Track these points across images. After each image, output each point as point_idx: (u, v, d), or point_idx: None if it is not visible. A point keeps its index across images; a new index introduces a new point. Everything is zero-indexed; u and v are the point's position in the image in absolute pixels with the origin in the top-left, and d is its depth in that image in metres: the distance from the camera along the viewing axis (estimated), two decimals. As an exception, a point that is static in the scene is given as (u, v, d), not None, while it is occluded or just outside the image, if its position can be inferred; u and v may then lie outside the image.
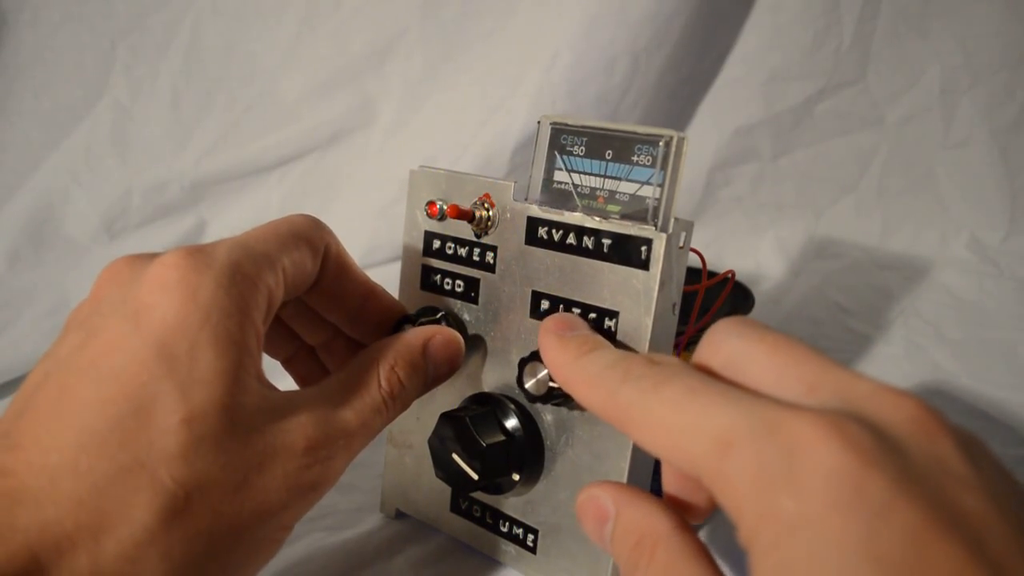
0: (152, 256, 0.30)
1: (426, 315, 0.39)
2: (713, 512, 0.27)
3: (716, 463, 0.21)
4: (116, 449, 0.25)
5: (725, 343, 0.26)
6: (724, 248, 0.91)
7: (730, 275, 0.46)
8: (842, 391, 0.22)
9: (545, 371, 0.33)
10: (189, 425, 0.26)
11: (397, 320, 0.39)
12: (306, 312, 0.38)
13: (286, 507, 0.29)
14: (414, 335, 0.36)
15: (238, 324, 0.28)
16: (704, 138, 0.93)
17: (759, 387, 0.24)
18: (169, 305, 0.27)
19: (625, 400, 0.25)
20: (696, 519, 0.27)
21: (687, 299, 0.36)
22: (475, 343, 0.39)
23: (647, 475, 0.35)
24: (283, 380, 0.37)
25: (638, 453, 0.34)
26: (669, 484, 0.27)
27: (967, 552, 0.18)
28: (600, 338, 0.30)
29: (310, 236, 0.33)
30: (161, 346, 0.27)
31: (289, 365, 0.41)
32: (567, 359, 0.28)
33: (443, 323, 0.38)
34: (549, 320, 0.31)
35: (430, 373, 0.35)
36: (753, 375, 0.24)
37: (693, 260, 0.42)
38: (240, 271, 0.29)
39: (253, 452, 0.28)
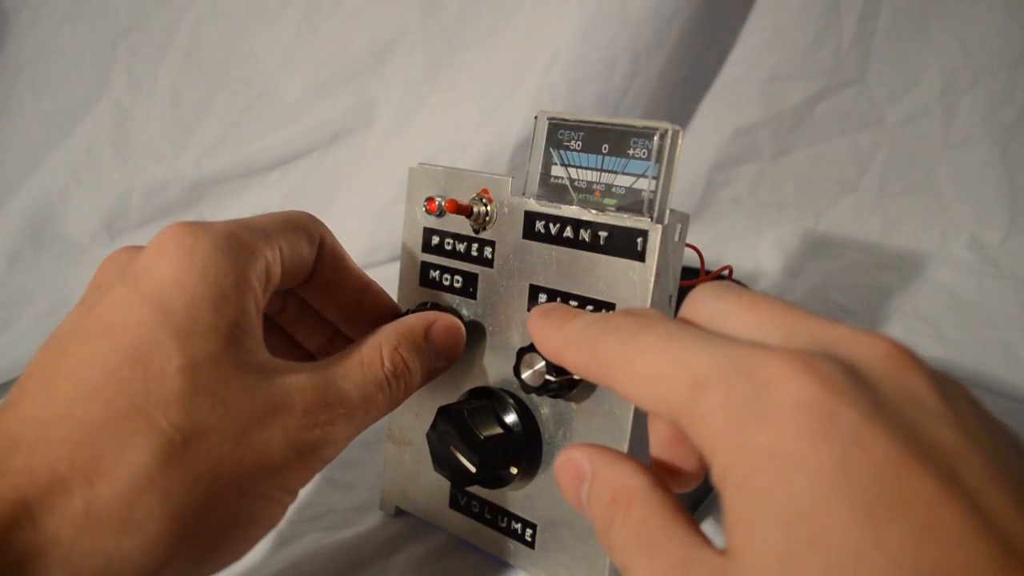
0: None
1: (421, 307, 0.39)
2: (702, 479, 0.27)
3: (691, 403, 0.22)
4: (112, 396, 0.26)
5: (704, 304, 0.26)
6: (724, 248, 0.91)
7: (727, 271, 0.46)
8: (817, 336, 0.23)
9: (542, 362, 0.33)
10: (186, 373, 0.27)
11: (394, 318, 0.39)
12: (304, 313, 0.39)
13: (288, 466, 0.29)
14: (416, 319, 0.36)
15: (234, 284, 0.29)
16: (704, 138, 0.93)
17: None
18: (167, 265, 0.28)
19: (605, 351, 0.25)
20: (684, 486, 0.27)
21: (684, 294, 0.36)
22: (474, 338, 0.39)
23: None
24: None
25: (635, 446, 0.34)
26: (656, 448, 0.27)
27: (941, 481, 0.18)
28: (582, 310, 0.30)
29: (306, 225, 0.34)
30: (158, 301, 0.27)
31: None
32: (552, 330, 0.29)
33: (437, 305, 0.39)
34: (536, 308, 0.32)
35: (432, 357, 0.36)
36: (733, 330, 0.25)
37: (692, 259, 0.42)
38: (236, 238, 0.30)
39: (252, 406, 0.28)
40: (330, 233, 0.36)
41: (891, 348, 0.22)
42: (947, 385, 0.21)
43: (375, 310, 0.38)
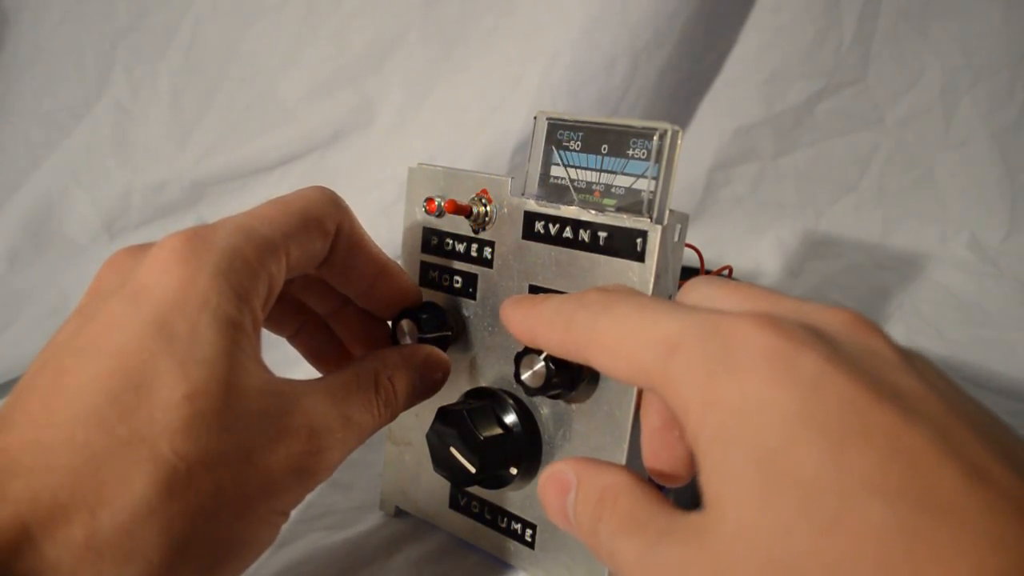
0: (152, 245, 0.30)
1: (432, 320, 0.38)
2: (692, 473, 0.28)
3: (663, 366, 0.23)
4: (115, 423, 0.25)
5: (695, 290, 0.28)
6: (724, 248, 0.91)
7: (727, 271, 0.46)
8: (788, 310, 0.24)
9: (541, 363, 0.33)
10: (191, 401, 0.26)
11: (401, 312, 0.39)
12: (316, 283, 0.38)
13: (287, 489, 0.29)
14: (414, 352, 0.36)
15: (236, 309, 0.28)
16: (704, 138, 0.93)
17: None
18: (168, 286, 0.28)
19: (579, 326, 0.26)
20: (673, 480, 0.28)
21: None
22: (473, 338, 0.39)
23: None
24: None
25: (634, 446, 0.34)
26: (647, 438, 0.28)
27: (903, 415, 0.19)
28: (554, 294, 0.31)
29: (321, 216, 0.33)
30: (161, 325, 0.27)
31: (296, 340, 0.40)
32: (524, 312, 0.29)
33: (450, 336, 0.39)
34: (506, 299, 0.32)
35: (419, 387, 0.36)
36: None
37: (692, 259, 0.42)
38: (240, 256, 0.29)
39: (256, 431, 0.28)
40: (349, 217, 0.35)
41: (853, 315, 0.23)
42: (908, 351, 0.23)
43: (390, 292, 0.38)
